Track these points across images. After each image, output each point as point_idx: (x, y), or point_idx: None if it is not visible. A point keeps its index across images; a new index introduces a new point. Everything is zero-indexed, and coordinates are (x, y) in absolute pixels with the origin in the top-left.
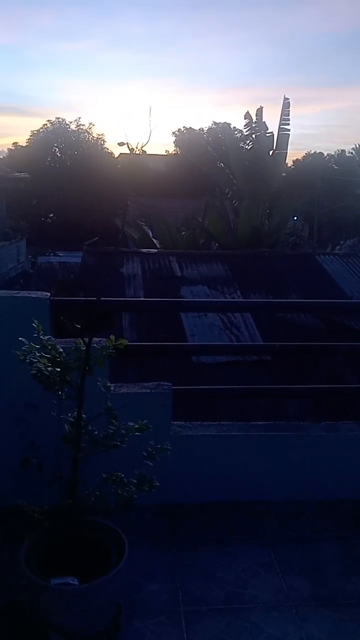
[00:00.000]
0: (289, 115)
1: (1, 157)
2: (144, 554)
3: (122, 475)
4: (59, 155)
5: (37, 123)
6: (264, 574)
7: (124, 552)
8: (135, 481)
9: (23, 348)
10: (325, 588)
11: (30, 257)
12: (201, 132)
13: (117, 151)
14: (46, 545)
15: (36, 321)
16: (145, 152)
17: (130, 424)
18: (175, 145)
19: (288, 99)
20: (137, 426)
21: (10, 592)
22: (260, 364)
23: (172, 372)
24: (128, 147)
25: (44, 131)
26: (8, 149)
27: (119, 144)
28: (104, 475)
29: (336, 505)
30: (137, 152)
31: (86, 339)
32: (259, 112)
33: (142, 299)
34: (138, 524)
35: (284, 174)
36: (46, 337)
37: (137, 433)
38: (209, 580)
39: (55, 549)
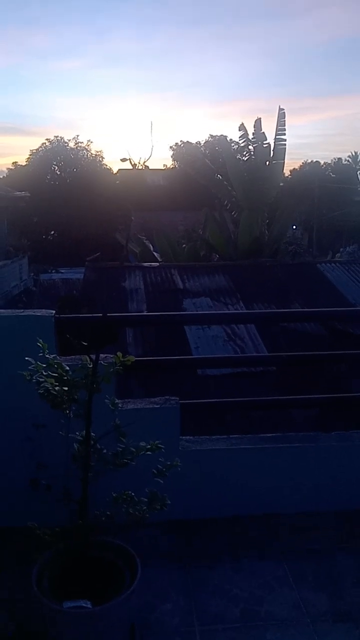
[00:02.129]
0: (284, 126)
1: (1, 176)
2: (156, 572)
3: (133, 494)
4: (59, 173)
5: (36, 142)
6: (279, 589)
7: (136, 571)
8: (146, 499)
9: (29, 367)
10: (342, 601)
11: (32, 274)
12: (198, 145)
13: (115, 167)
14: (58, 567)
15: (41, 340)
16: (147, 167)
17: (142, 443)
18: (173, 159)
19: (283, 109)
20: (148, 446)
21: (22, 615)
22: (266, 375)
23: (177, 386)
24: (130, 162)
25: (43, 150)
26: (8, 168)
27: (121, 160)
28: (114, 495)
29: (350, 516)
30: (140, 167)
31: (92, 356)
32: (257, 123)
33: (147, 313)
34: (149, 542)
35: (281, 184)
36: (52, 355)
37: (148, 452)
38: (224, 598)
39: (67, 570)
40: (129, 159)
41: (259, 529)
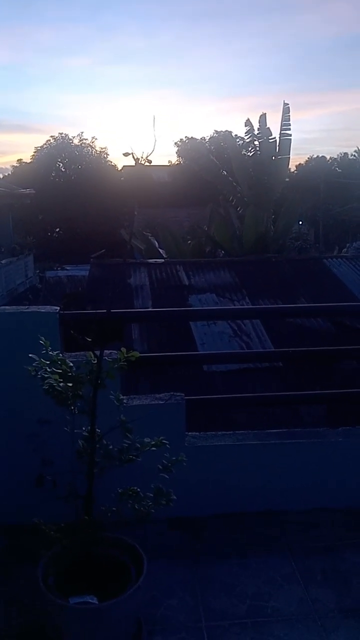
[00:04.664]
0: (289, 120)
1: (6, 174)
2: (162, 568)
3: (138, 490)
4: (63, 170)
5: (40, 139)
6: (286, 585)
7: (142, 567)
8: (152, 495)
9: (34, 364)
10: (350, 598)
11: (38, 272)
12: (203, 141)
13: (120, 164)
14: (63, 563)
15: (43, 338)
16: (150, 161)
17: (147, 439)
18: (178, 155)
19: (288, 104)
20: (153, 442)
21: (28, 612)
22: (272, 371)
23: (184, 382)
24: (133, 157)
25: (47, 147)
26: (12, 166)
27: (124, 154)
28: (119, 491)
29: (358, 512)
30: (143, 162)
31: (97, 352)
32: (262, 118)
33: (153, 309)
34: (154, 538)
35: (287, 179)
36: (56, 351)
37: (153, 448)
38: (230, 594)
39: (73, 567)
40: (132, 153)
41: (266, 525)
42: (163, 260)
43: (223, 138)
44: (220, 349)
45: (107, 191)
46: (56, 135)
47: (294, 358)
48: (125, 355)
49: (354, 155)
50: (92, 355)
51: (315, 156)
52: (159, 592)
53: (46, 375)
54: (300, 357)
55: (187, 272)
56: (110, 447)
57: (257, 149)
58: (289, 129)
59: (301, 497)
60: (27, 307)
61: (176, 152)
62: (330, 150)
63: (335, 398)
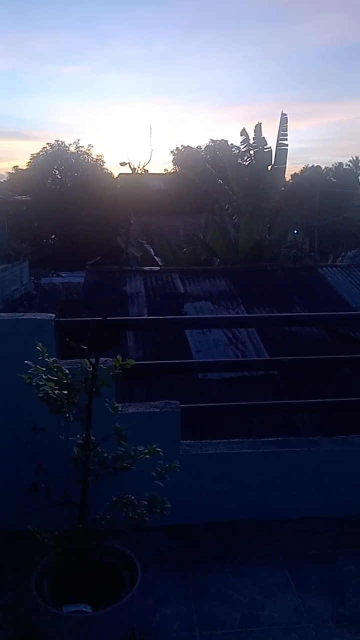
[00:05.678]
0: (286, 130)
1: (2, 180)
2: (156, 576)
3: (133, 498)
4: (59, 177)
5: (37, 146)
6: (281, 594)
7: (136, 576)
8: (146, 503)
9: (29, 371)
10: (344, 607)
11: (33, 278)
12: (199, 150)
13: (116, 171)
14: (57, 571)
15: (40, 344)
16: (147, 171)
17: (140, 448)
18: (174, 164)
19: (286, 114)
20: (147, 450)
21: (22, 620)
22: (268, 379)
23: (178, 390)
24: (130, 166)
25: (43, 154)
26: (8, 172)
27: (120, 164)
28: (114, 499)
29: (352, 521)
30: (139, 171)
31: (92, 360)
32: (258, 128)
33: (148, 317)
34: (149, 546)
35: (282, 188)
36: (51, 359)
37: (147, 456)
38: (224, 603)
39: (67, 575)
40: (129, 162)
41: (260, 534)
42: (159, 268)
43: (219, 147)
44: (215, 357)
45: (103, 199)
46: (52, 142)
47: (289, 366)
48: (121, 363)
49: (349, 165)
50: (88, 363)
51: (310, 166)
52: (153, 600)
53: (41, 383)
54: (295, 365)
55: (183, 280)
56: (105, 454)
57: (253, 158)
58: (286, 139)
59: (296, 505)
60: (22, 314)
61: (172, 161)
62: (325, 159)
63: (330, 406)
